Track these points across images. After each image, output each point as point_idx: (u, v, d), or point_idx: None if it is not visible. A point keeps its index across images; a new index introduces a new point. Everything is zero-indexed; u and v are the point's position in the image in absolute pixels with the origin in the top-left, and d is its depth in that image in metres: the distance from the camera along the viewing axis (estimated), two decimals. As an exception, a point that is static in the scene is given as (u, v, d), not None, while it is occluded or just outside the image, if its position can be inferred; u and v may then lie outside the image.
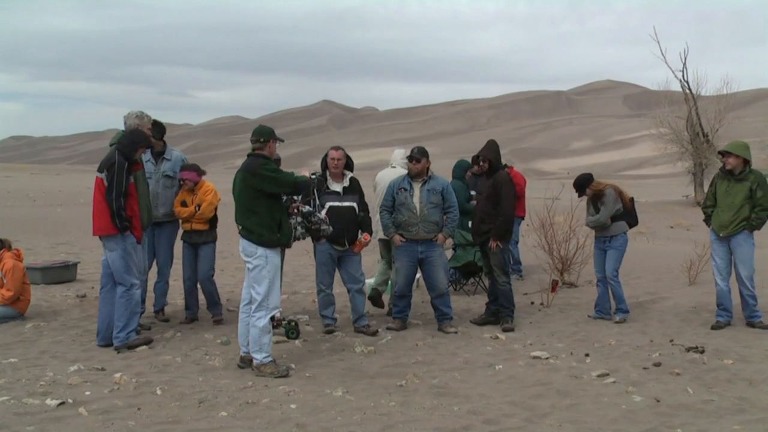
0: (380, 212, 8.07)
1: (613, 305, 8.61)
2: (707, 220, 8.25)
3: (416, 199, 7.81)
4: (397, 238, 7.89)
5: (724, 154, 8.05)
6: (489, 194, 8.09)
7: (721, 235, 7.99)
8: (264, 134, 6.37)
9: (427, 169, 7.96)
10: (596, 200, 8.41)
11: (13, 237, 10.56)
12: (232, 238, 14.49)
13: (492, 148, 8.27)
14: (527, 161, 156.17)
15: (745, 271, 7.95)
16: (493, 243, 7.99)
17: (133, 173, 6.87)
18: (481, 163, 8.18)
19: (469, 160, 10.98)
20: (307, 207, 7.06)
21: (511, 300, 8.14)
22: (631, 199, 8.58)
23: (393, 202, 7.92)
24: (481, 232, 8.10)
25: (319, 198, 7.57)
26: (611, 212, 8.31)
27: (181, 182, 7.83)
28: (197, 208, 7.76)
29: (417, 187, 7.88)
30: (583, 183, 8.51)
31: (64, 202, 29.89)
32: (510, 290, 8.15)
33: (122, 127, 7.32)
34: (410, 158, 7.91)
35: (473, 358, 6.77)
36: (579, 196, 8.60)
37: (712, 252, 8.19)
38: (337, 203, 7.60)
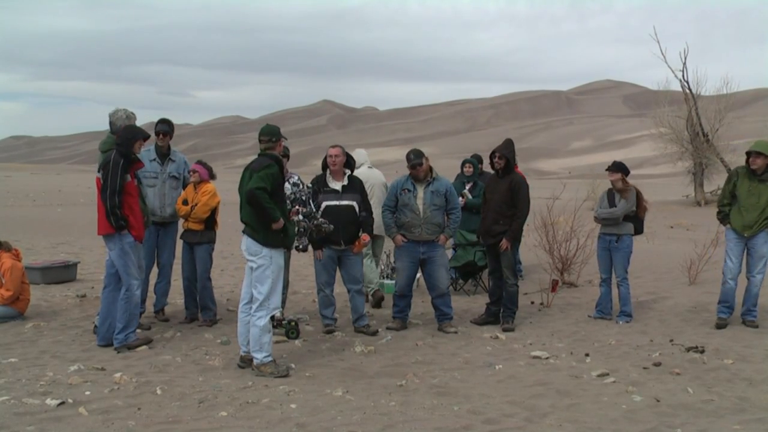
0: (382, 211, 8.08)
1: (615, 306, 8.61)
2: (724, 218, 8.21)
3: (419, 201, 7.78)
4: (399, 238, 7.88)
5: (751, 154, 7.98)
6: (504, 195, 8.01)
7: (746, 235, 7.96)
8: (275, 134, 6.39)
9: (431, 169, 7.93)
10: (618, 194, 8.38)
11: (13, 237, 10.59)
12: (232, 238, 14.50)
13: (510, 146, 8.23)
14: (527, 161, 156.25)
15: (763, 269, 7.98)
16: (506, 244, 7.97)
17: (135, 172, 6.87)
18: (497, 160, 8.13)
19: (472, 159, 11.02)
20: (306, 209, 7.17)
21: (515, 301, 8.14)
22: (646, 208, 8.59)
23: (396, 202, 7.90)
24: (495, 233, 8.03)
25: (319, 197, 7.60)
26: (629, 209, 8.30)
27: (190, 173, 7.86)
28: (193, 208, 7.77)
29: (420, 188, 7.84)
30: (624, 166, 8.55)
31: (64, 202, 29.91)
32: (516, 292, 8.15)
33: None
34: (413, 165, 7.80)
35: (473, 358, 6.77)
36: (610, 174, 8.47)
37: (728, 251, 8.12)
38: (335, 202, 7.59)
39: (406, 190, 7.86)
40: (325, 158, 7.81)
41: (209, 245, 7.96)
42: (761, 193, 7.88)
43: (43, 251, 13.56)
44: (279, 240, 6.23)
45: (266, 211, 6.07)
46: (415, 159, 7.81)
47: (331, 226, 7.22)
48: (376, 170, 9.38)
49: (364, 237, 7.67)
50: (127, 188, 6.67)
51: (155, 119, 8.15)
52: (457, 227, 8.14)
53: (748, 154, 8.03)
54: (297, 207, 7.24)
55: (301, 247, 7.54)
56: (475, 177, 10.41)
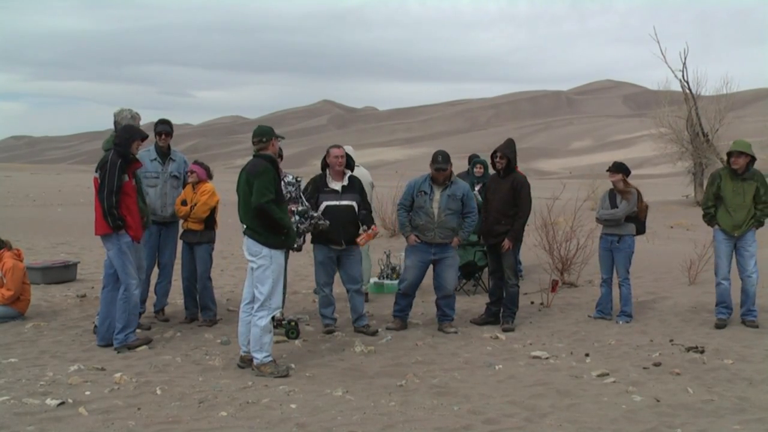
0: (398, 210, 8.09)
1: (615, 306, 8.61)
2: (711, 220, 8.24)
3: (435, 204, 7.73)
4: (412, 238, 7.84)
5: (732, 154, 8.05)
6: (505, 195, 7.98)
7: (735, 234, 8.03)
8: (266, 134, 6.38)
9: (450, 173, 7.90)
10: (619, 194, 8.39)
11: (13, 237, 10.57)
12: (232, 238, 14.50)
13: (511, 146, 8.20)
14: (527, 161, 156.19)
15: (755, 267, 8.05)
16: (508, 244, 7.95)
17: (134, 172, 6.88)
18: (499, 160, 8.10)
19: (475, 159, 10.95)
20: (301, 207, 7.15)
21: (516, 302, 8.13)
22: (646, 208, 8.61)
23: (411, 202, 7.88)
24: (497, 233, 8.00)
25: (318, 197, 7.60)
26: (630, 210, 8.31)
27: (188, 174, 7.87)
28: (192, 208, 7.77)
29: (438, 191, 7.78)
30: (625, 167, 8.57)
31: (64, 201, 29.89)
32: (517, 292, 8.14)
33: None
34: (437, 168, 7.71)
35: (473, 358, 6.77)
36: (611, 175, 8.48)
37: (719, 252, 8.16)
38: (335, 202, 7.58)
39: (423, 192, 7.79)
40: (324, 158, 7.80)
41: (209, 245, 7.96)
42: (746, 192, 7.98)
43: (43, 251, 13.57)
44: (280, 241, 6.24)
45: (277, 222, 6.15)
46: (443, 163, 7.70)
47: (327, 222, 7.23)
48: (363, 169, 9.35)
49: (374, 228, 7.68)
50: (124, 188, 6.67)
51: (155, 119, 8.17)
52: (471, 231, 8.07)
53: (729, 154, 8.14)
54: (291, 207, 7.23)
55: (296, 246, 7.50)
56: (485, 178, 10.21)
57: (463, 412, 5.25)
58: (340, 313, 8.19)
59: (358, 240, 7.65)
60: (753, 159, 8.06)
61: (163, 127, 7.94)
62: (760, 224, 8.09)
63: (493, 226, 8.05)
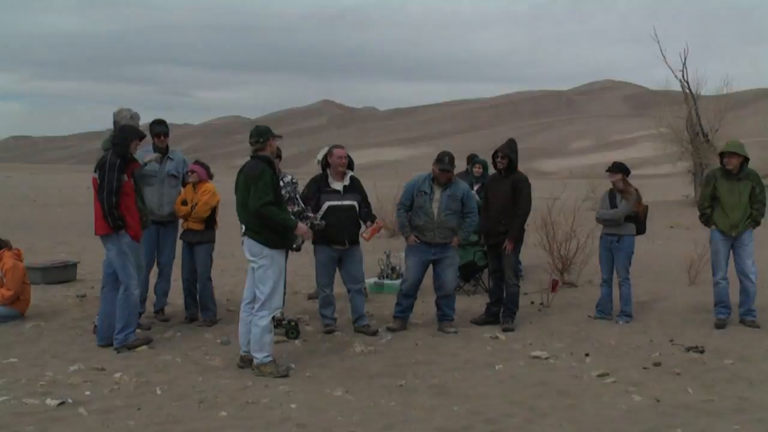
0: (397, 210, 8.09)
1: (615, 306, 8.61)
2: (707, 221, 8.26)
3: (435, 204, 7.72)
4: (412, 238, 7.84)
5: (725, 154, 8.08)
6: (507, 195, 7.96)
7: (733, 234, 8.05)
8: (262, 134, 6.37)
9: (452, 174, 7.90)
10: (619, 194, 8.40)
11: (13, 237, 10.56)
12: (232, 238, 14.47)
13: (513, 145, 8.19)
14: (527, 161, 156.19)
15: (753, 266, 8.07)
16: (510, 245, 7.95)
17: (133, 172, 6.88)
18: (500, 160, 8.08)
19: (477, 159, 10.91)
20: (297, 208, 7.15)
21: (516, 302, 8.13)
22: (646, 207, 8.61)
23: (411, 202, 7.88)
24: (498, 233, 7.98)
25: (320, 197, 7.59)
26: (629, 210, 8.32)
27: (188, 173, 7.87)
28: (193, 208, 7.77)
29: (438, 191, 7.77)
30: (625, 167, 8.57)
31: (64, 202, 29.90)
32: (518, 292, 8.14)
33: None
34: (442, 169, 7.70)
35: (473, 358, 6.77)
36: (611, 175, 8.49)
37: (718, 252, 8.17)
38: (337, 202, 7.58)
39: (423, 192, 7.77)
40: (325, 157, 7.79)
41: (209, 245, 7.96)
42: (741, 192, 8.02)
43: (43, 251, 13.57)
44: (280, 241, 6.24)
45: (279, 223, 6.14)
46: (448, 164, 7.68)
47: (323, 223, 7.22)
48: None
49: (379, 222, 7.70)
50: (124, 188, 6.67)
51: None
52: (471, 231, 8.06)
53: (722, 155, 8.16)
54: (288, 208, 7.23)
55: (295, 246, 7.50)
56: (484, 178, 10.15)
57: (463, 412, 5.25)
58: (340, 313, 8.18)
59: (364, 235, 7.67)
60: (746, 159, 8.08)
61: (161, 128, 7.94)
62: (757, 224, 8.10)
63: (493, 226, 8.04)
